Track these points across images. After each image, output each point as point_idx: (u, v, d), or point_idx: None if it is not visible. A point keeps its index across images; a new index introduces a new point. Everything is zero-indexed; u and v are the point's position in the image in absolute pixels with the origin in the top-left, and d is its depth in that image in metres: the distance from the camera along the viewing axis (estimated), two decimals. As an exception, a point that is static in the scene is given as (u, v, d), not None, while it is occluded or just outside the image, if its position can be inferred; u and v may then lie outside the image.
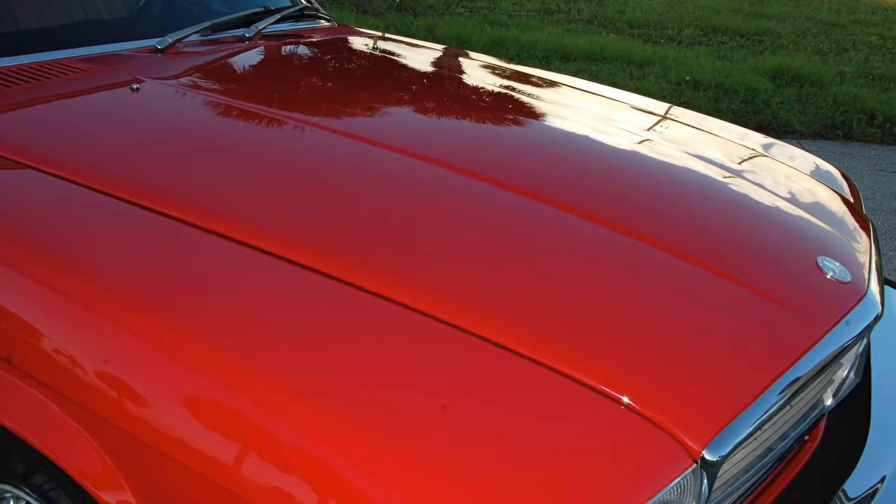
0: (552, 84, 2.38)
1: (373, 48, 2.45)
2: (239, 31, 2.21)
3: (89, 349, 1.14)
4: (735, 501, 1.29)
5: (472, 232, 1.39)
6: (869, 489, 1.43)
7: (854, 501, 1.42)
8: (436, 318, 1.14)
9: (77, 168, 1.44)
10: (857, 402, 1.61)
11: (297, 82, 2.09)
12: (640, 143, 1.91)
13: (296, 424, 1.00)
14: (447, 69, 2.48)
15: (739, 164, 1.91)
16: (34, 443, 1.15)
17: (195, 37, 2.11)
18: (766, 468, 1.36)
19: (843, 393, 1.51)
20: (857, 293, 1.45)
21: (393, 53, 2.49)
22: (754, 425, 1.13)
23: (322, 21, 2.56)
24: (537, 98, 2.18)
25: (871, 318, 1.42)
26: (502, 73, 2.46)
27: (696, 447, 1.05)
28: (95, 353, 1.13)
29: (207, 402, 1.06)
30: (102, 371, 1.12)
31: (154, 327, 1.12)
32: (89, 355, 1.14)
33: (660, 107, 2.37)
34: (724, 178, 1.78)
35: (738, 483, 1.23)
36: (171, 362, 1.09)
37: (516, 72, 2.49)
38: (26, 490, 1.26)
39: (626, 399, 1.07)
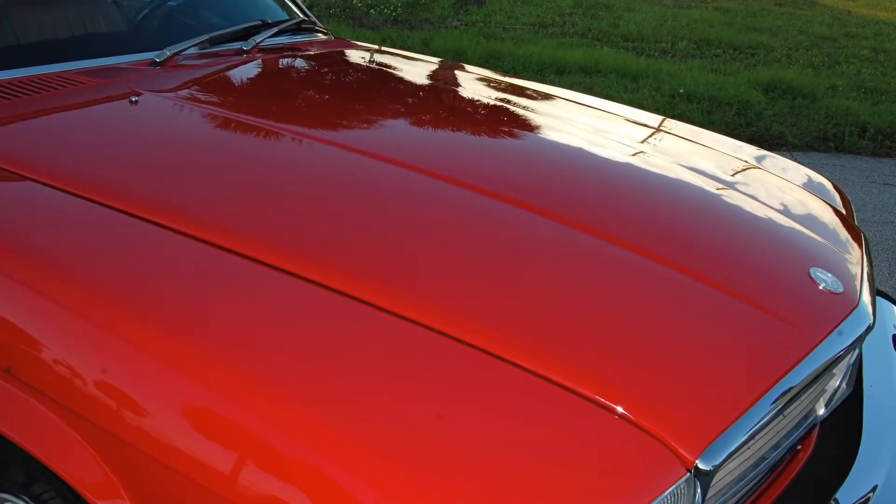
0: (547, 97, 2.40)
1: (369, 61, 2.46)
2: (237, 45, 2.23)
3: (89, 360, 1.15)
4: (728, 510, 1.30)
5: (467, 243, 1.40)
6: (861, 498, 1.44)
7: (846, 510, 1.43)
8: (432, 329, 1.15)
9: (76, 180, 1.45)
10: (849, 412, 1.62)
11: (294, 95, 2.10)
12: (634, 155, 1.93)
13: (293, 434, 1.01)
14: (443, 82, 2.50)
15: (732, 175, 1.93)
16: (34, 452, 1.16)
17: (193, 50, 2.13)
18: (759, 477, 1.36)
19: (835, 403, 1.52)
20: (849, 304, 1.46)
21: (389, 66, 2.51)
22: (747, 435, 1.14)
23: (319, 34, 2.58)
24: (532, 111, 2.20)
25: (863, 328, 1.43)
26: (498, 86, 2.48)
27: (689, 456, 1.06)
28: (95, 364, 1.14)
29: (206, 411, 1.07)
30: (101, 381, 1.12)
31: (153, 338, 1.12)
32: (89, 366, 1.14)
33: (653, 119, 2.39)
34: (718, 189, 1.80)
35: (731, 492, 1.24)
36: (169, 372, 1.09)
37: (511, 84, 2.51)
38: (26, 499, 1.26)
39: (619, 408, 1.08)
